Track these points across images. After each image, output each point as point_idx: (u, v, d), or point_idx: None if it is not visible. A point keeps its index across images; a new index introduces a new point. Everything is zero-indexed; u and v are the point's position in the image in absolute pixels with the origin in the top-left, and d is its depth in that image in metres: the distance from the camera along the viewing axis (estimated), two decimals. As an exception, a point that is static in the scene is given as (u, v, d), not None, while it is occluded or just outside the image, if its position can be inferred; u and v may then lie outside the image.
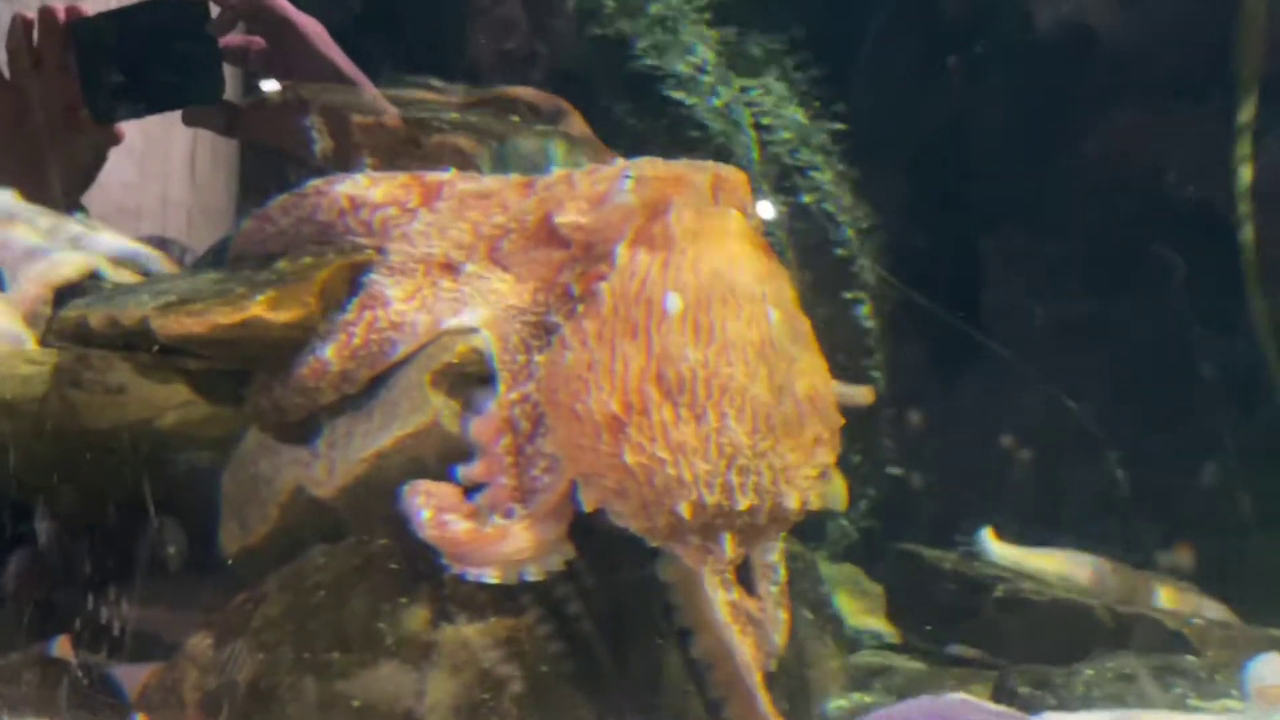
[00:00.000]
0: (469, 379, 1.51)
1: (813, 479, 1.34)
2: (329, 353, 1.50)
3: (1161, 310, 2.42)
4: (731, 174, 1.38)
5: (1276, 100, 2.29)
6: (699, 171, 1.37)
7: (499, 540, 1.39)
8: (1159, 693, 1.65)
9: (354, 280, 1.56)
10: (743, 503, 1.30)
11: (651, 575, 1.50)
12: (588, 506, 1.37)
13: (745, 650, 1.45)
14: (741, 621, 1.45)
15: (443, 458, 1.49)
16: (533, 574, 1.41)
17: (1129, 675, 1.71)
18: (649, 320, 1.31)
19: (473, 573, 1.40)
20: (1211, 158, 2.34)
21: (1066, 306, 2.45)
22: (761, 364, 1.30)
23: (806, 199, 2.18)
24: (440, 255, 1.49)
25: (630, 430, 1.31)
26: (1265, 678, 1.50)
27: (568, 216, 1.43)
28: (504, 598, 1.46)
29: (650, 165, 1.39)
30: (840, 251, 2.20)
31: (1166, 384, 2.41)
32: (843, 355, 2.16)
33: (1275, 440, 2.29)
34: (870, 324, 2.24)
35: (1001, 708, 1.30)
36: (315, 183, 1.57)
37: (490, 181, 1.54)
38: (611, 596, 1.55)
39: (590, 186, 1.44)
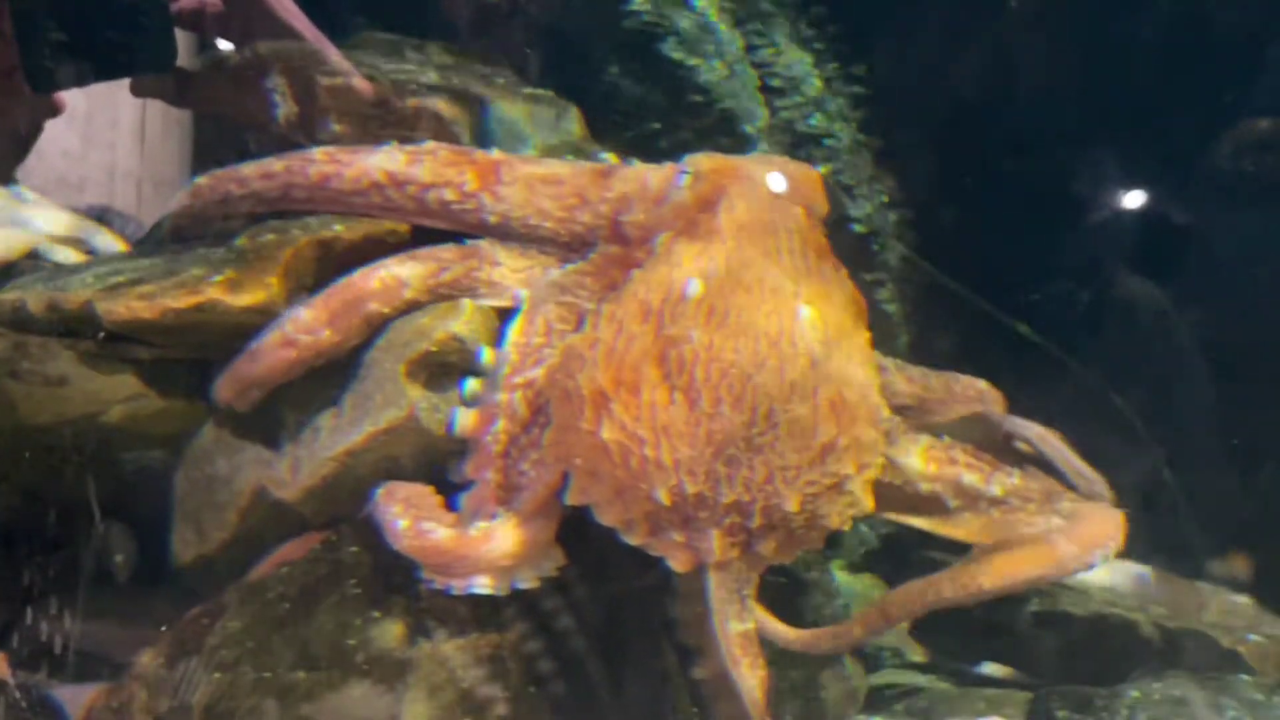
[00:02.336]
0: (449, 369, 1.51)
1: (823, 488, 1.34)
2: (409, 271, 1.50)
3: (1221, 297, 2.42)
4: (799, 170, 1.41)
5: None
6: (762, 165, 1.41)
7: (484, 543, 1.39)
8: (1212, 717, 1.66)
9: (320, 260, 1.57)
10: (729, 496, 1.31)
11: (650, 587, 1.50)
12: (570, 498, 1.38)
13: (754, 684, 1.46)
14: (752, 654, 1.45)
15: (419, 456, 1.49)
16: (524, 580, 1.41)
17: (1178, 698, 1.72)
18: (665, 303, 1.35)
19: (458, 585, 1.40)
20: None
21: (1114, 292, 2.45)
22: (774, 355, 1.32)
23: (822, 170, 2.18)
24: (557, 255, 1.52)
25: (614, 406, 1.33)
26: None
27: (633, 216, 1.47)
28: (487, 611, 1.46)
29: (709, 159, 1.44)
30: (859, 228, 2.20)
31: (1223, 377, 2.41)
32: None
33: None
34: (892, 309, 2.24)
35: None
36: (328, 150, 1.58)
37: (556, 165, 1.56)
38: (606, 610, 1.55)
39: (659, 185, 1.48)
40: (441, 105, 1.72)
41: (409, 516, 1.42)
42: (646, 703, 1.57)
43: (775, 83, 2.15)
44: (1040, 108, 2.39)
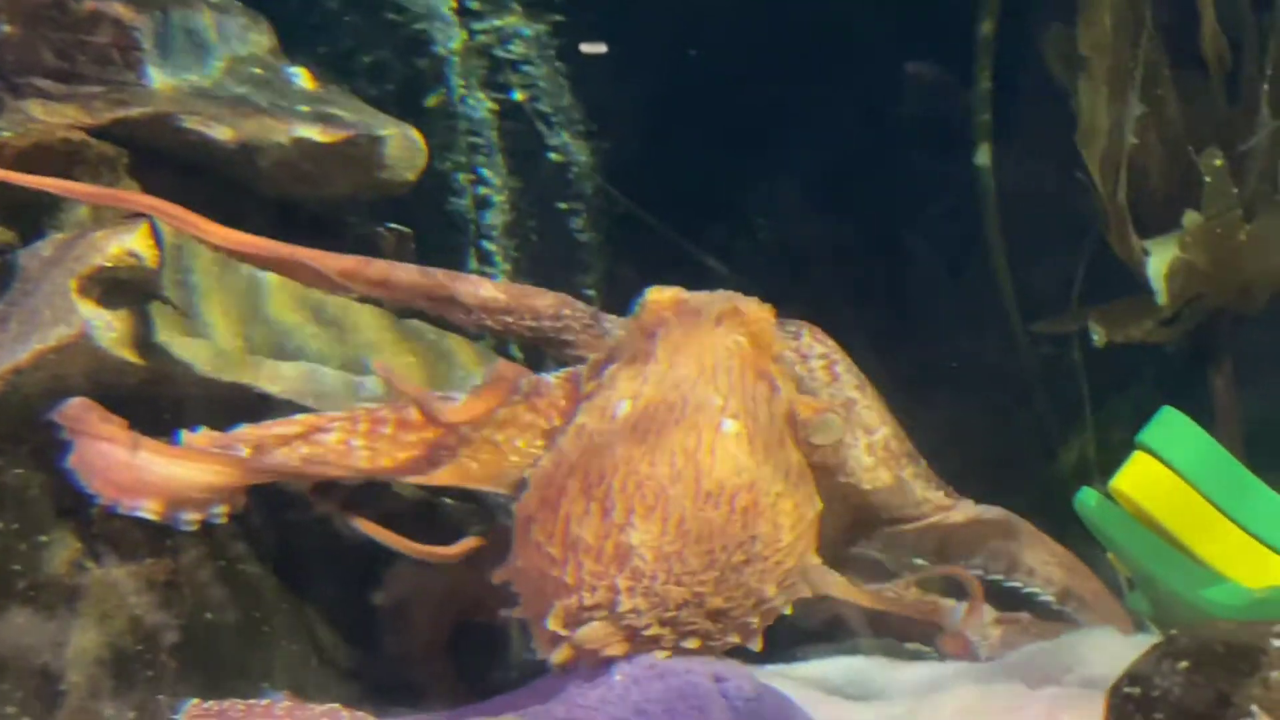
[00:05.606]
0: (124, 286, 1.49)
1: (724, 568, 1.38)
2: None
3: (908, 238, 2.53)
4: (750, 307, 1.47)
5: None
6: (712, 300, 1.47)
7: (170, 460, 1.39)
8: (873, 643, 1.75)
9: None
10: (626, 604, 1.36)
11: (325, 515, 1.52)
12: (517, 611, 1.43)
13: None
14: None
15: (92, 376, 1.47)
16: (188, 519, 1.41)
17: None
18: (598, 424, 1.41)
19: (125, 504, 1.40)
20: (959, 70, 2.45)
21: (800, 228, 2.54)
22: (691, 467, 1.37)
23: (518, 97, 2.20)
24: None
25: (534, 529, 1.38)
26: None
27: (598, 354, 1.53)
28: (160, 536, 1.46)
29: (660, 291, 1.48)
30: (554, 157, 2.24)
31: (908, 316, 2.52)
32: (557, 271, 2.20)
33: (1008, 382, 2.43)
34: (586, 238, 2.29)
35: None
36: (570, 304, 1.60)
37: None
38: (281, 537, 1.56)
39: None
40: (121, 9, 1.68)
41: (94, 430, 1.41)
42: (325, 629, 1.59)
43: (473, 4, 2.16)
44: (733, 43, 2.46)
